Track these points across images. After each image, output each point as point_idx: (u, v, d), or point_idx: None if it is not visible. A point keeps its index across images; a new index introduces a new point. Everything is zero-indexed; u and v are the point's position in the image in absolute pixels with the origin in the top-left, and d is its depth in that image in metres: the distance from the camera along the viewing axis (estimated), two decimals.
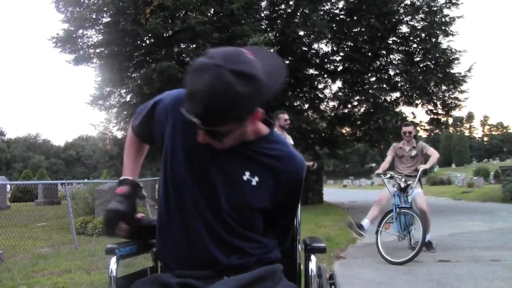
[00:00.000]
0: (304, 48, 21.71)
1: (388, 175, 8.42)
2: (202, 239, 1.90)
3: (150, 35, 18.72)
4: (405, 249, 7.70)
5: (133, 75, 21.13)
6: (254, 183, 1.91)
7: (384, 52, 22.61)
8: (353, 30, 22.01)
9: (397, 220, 7.86)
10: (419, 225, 7.54)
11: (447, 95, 22.74)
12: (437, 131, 27.75)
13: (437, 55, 21.17)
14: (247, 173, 1.91)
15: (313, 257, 2.02)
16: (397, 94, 23.52)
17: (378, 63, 23.10)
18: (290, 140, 8.48)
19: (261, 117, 1.82)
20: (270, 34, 17.68)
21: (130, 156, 2.26)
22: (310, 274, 1.97)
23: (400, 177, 8.35)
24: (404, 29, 22.27)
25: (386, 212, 8.06)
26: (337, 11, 22.55)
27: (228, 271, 1.88)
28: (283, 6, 21.79)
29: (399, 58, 22.87)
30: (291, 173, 1.96)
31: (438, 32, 21.30)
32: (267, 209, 1.96)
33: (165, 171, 1.98)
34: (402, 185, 8.13)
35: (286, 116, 8.72)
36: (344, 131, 25.24)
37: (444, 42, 21.72)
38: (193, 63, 1.69)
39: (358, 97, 23.13)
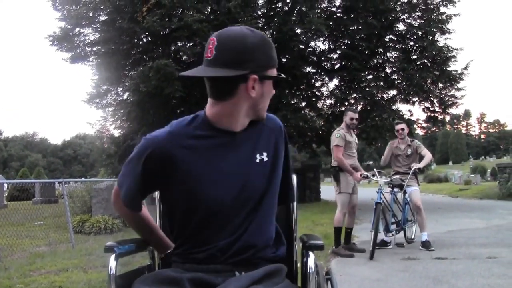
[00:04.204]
0: (301, 46, 21.69)
1: (370, 174, 8.47)
2: (222, 235, 1.94)
3: (147, 33, 18.76)
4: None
5: (130, 73, 21.13)
6: (265, 158, 2.00)
7: (381, 50, 22.59)
8: (350, 28, 21.98)
9: (375, 215, 7.92)
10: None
11: (444, 92, 22.78)
12: (434, 128, 27.83)
13: (434, 53, 21.15)
14: (257, 155, 1.99)
15: (311, 254, 2.03)
16: (394, 92, 23.55)
17: (375, 61, 23.11)
18: (355, 139, 8.44)
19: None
20: (267, 32, 17.68)
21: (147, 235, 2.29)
22: (308, 271, 1.98)
23: (377, 175, 8.46)
24: (401, 27, 22.33)
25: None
26: (334, 9, 22.55)
27: (238, 265, 1.92)
28: (280, 4, 21.79)
29: (396, 56, 22.89)
30: (277, 130, 2.10)
31: (434, 30, 21.30)
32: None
33: (190, 193, 1.93)
34: (381, 182, 8.34)
35: (353, 114, 8.56)
36: None
37: (441, 40, 21.79)
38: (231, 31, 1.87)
39: (355, 95, 23.13)
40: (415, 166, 8.44)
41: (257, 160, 1.97)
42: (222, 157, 1.93)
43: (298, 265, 2.28)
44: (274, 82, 1.94)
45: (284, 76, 1.97)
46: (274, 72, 1.90)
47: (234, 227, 1.93)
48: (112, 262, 1.97)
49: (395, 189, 8.48)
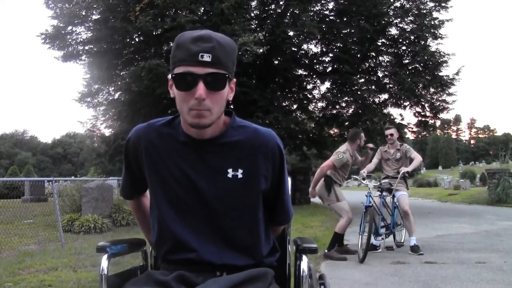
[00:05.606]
0: (293, 49, 21.72)
1: (360, 178, 8.57)
2: (200, 244, 1.91)
3: (139, 33, 18.71)
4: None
5: (121, 73, 21.11)
6: (240, 175, 1.91)
7: (373, 53, 22.62)
8: (343, 31, 22.01)
9: (364, 218, 8.02)
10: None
11: (435, 97, 22.83)
12: (425, 133, 27.78)
13: (426, 58, 21.23)
14: (230, 170, 1.90)
15: (304, 258, 2.02)
16: (386, 96, 23.57)
17: (367, 64, 23.14)
18: (359, 158, 8.55)
19: (233, 89, 1.91)
20: (259, 34, 17.67)
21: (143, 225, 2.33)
22: (301, 274, 1.97)
23: (367, 179, 8.64)
24: (393, 31, 22.36)
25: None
26: (327, 12, 22.54)
27: (220, 268, 1.90)
28: (273, 6, 21.80)
29: (388, 60, 22.95)
30: (263, 148, 1.94)
31: (427, 34, 21.35)
32: (265, 196, 1.98)
33: (158, 189, 1.97)
34: (371, 186, 8.43)
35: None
36: (332, 132, 25.25)
37: (433, 45, 21.82)
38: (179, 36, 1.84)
39: (346, 98, 23.14)
40: (404, 170, 8.48)
41: (229, 175, 1.90)
42: (186, 163, 1.92)
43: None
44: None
45: (174, 74, 1.80)
46: (180, 69, 1.78)
47: (205, 237, 1.91)
48: (104, 262, 1.97)
49: (384, 193, 8.51)
